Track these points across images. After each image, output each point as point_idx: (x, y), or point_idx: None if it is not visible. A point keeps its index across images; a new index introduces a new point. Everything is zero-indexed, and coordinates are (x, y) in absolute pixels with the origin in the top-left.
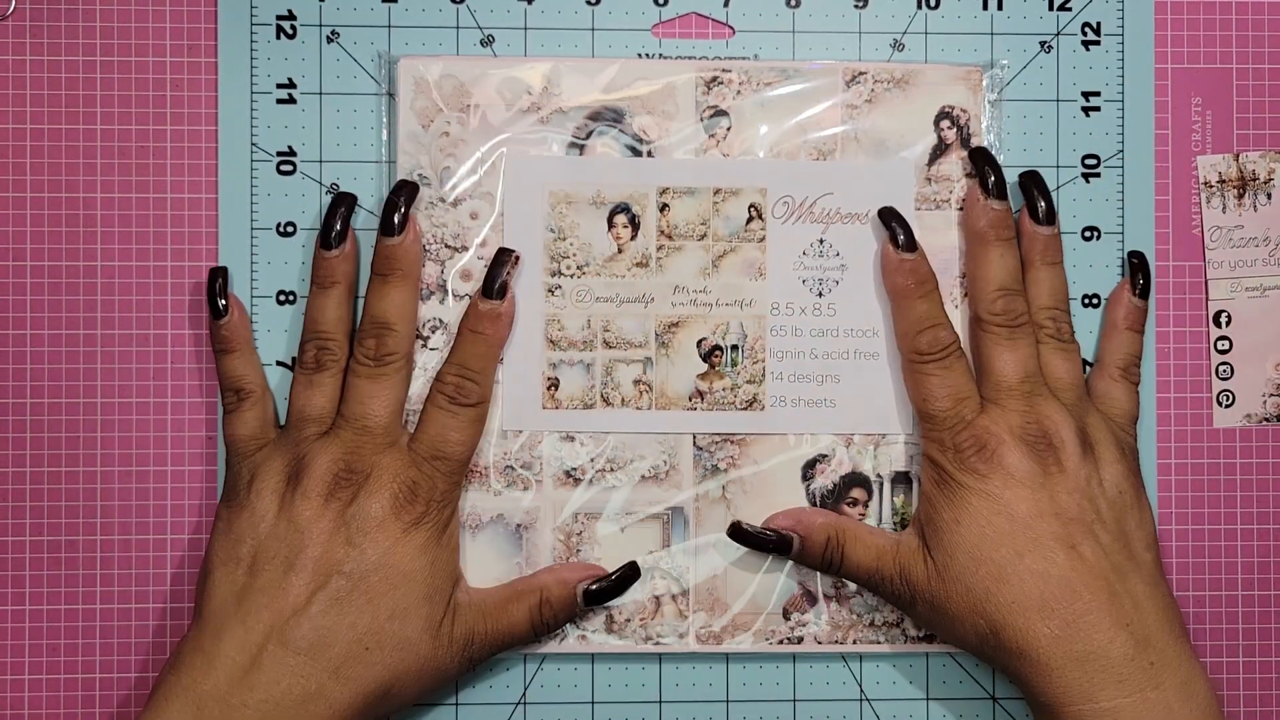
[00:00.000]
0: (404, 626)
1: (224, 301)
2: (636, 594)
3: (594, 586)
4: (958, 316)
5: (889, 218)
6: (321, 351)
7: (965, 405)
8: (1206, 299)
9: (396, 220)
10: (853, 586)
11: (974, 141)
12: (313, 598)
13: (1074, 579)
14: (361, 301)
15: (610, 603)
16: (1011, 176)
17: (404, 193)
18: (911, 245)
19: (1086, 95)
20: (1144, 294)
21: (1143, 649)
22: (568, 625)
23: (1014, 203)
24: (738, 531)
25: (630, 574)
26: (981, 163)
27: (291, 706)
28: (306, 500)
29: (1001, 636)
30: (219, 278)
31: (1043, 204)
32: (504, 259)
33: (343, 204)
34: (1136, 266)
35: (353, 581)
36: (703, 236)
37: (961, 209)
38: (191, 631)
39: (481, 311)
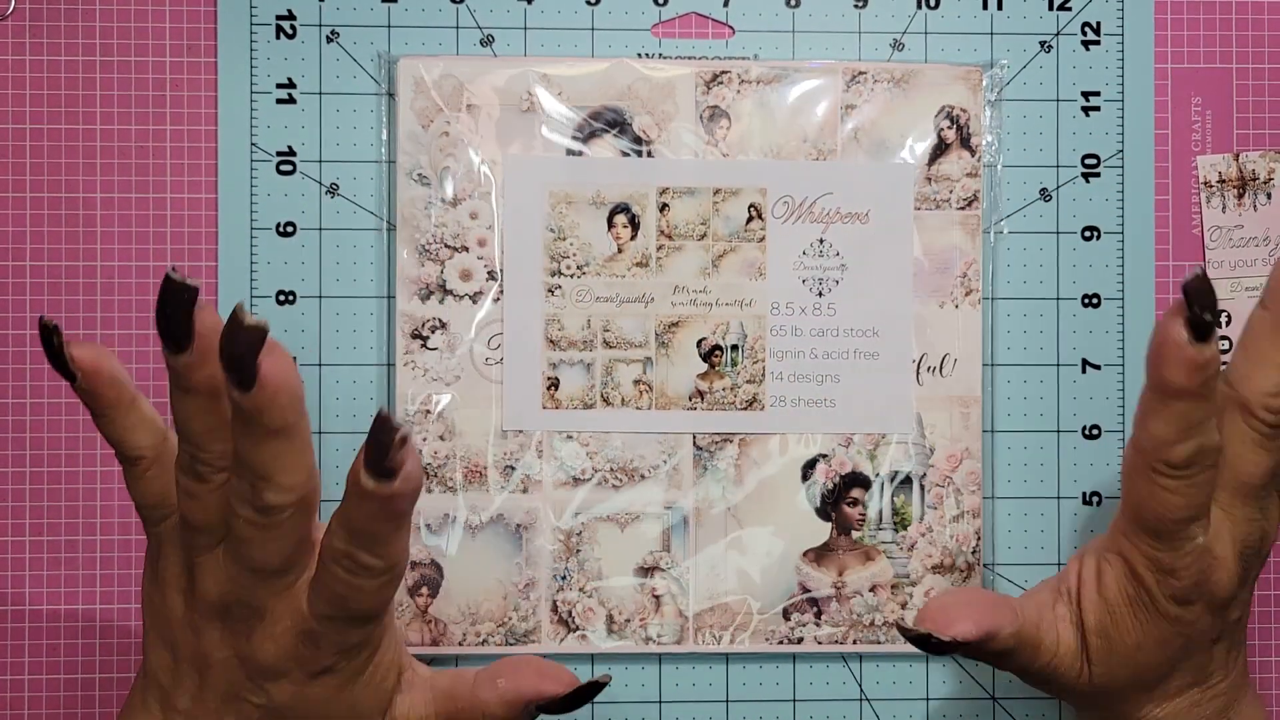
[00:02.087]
0: None
1: (70, 361)
2: (636, 595)
3: (547, 704)
4: (958, 316)
5: (1199, 289)
6: (194, 462)
7: (1199, 525)
8: None
9: (246, 369)
10: (853, 587)
11: (974, 141)
12: (225, 716)
13: (1200, 672)
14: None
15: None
16: (1020, 176)
17: (246, 338)
18: (1210, 334)
19: (1086, 95)
20: None
21: (1226, 711)
22: (568, 627)
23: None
24: (922, 642)
25: (591, 690)
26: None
27: None
28: (206, 621)
29: (1104, 712)
30: (52, 335)
31: None
32: (387, 432)
33: (182, 298)
34: None
35: (265, 711)
36: (702, 236)
37: (964, 207)
38: (138, 683)
39: (368, 491)
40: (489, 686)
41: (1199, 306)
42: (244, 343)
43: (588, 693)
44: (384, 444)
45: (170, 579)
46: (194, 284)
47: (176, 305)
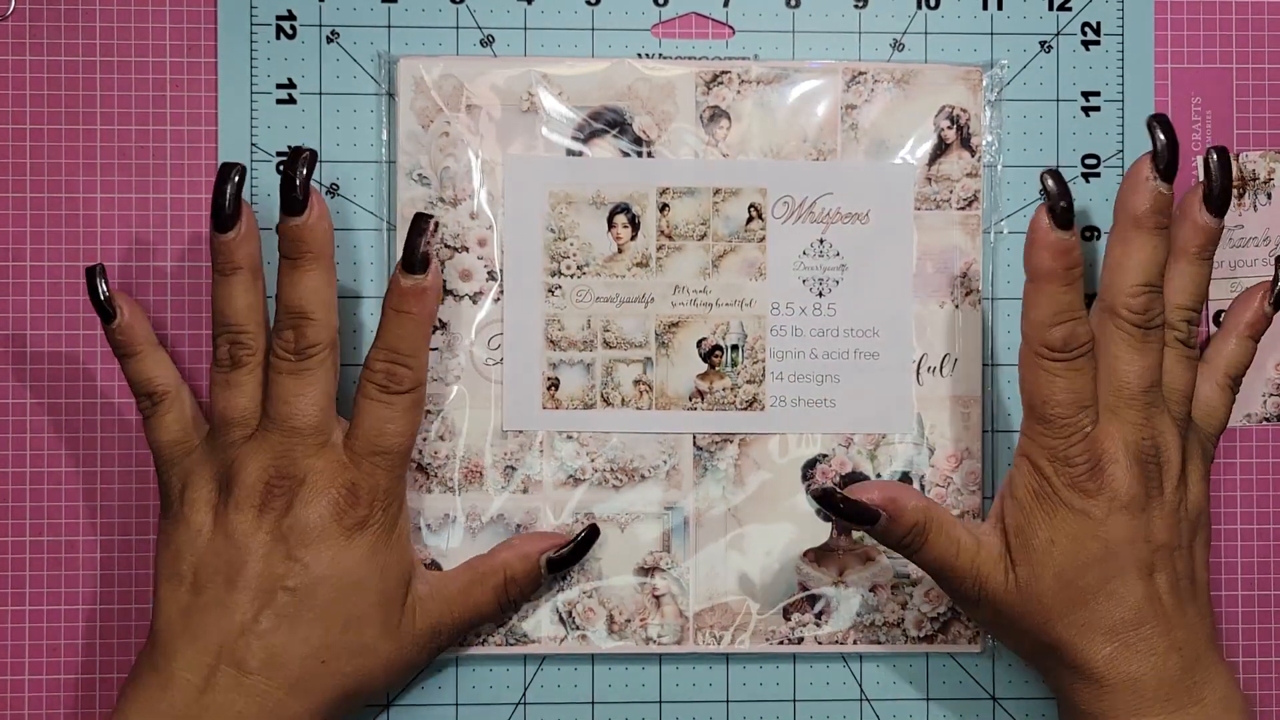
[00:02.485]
0: (360, 635)
1: (111, 302)
2: (636, 595)
3: (556, 555)
4: (958, 317)
5: (1054, 183)
6: (235, 346)
7: (1086, 415)
8: (1207, 299)
9: (298, 196)
10: (853, 588)
11: (974, 141)
12: (259, 616)
13: (1144, 606)
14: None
15: (572, 567)
16: (1020, 176)
17: (302, 163)
18: (1069, 221)
19: (1086, 95)
20: (1278, 304)
21: (1190, 670)
22: (568, 627)
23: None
24: (827, 497)
25: (590, 536)
26: (1160, 134)
27: None
28: (240, 512)
29: (1060, 652)
30: (97, 277)
31: (1222, 189)
32: (422, 226)
33: (231, 177)
34: None
35: (299, 597)
36: (703, 236)
37: (964, 207)
38: (146, 647)
39: (405, 288)
40: (505, 549)
41: (1056, 196)
42: (305, 166)
43: (586, 543)
44: (420, 229)
45: (199, 500)
46: (242, 165)
47: (226, 186)
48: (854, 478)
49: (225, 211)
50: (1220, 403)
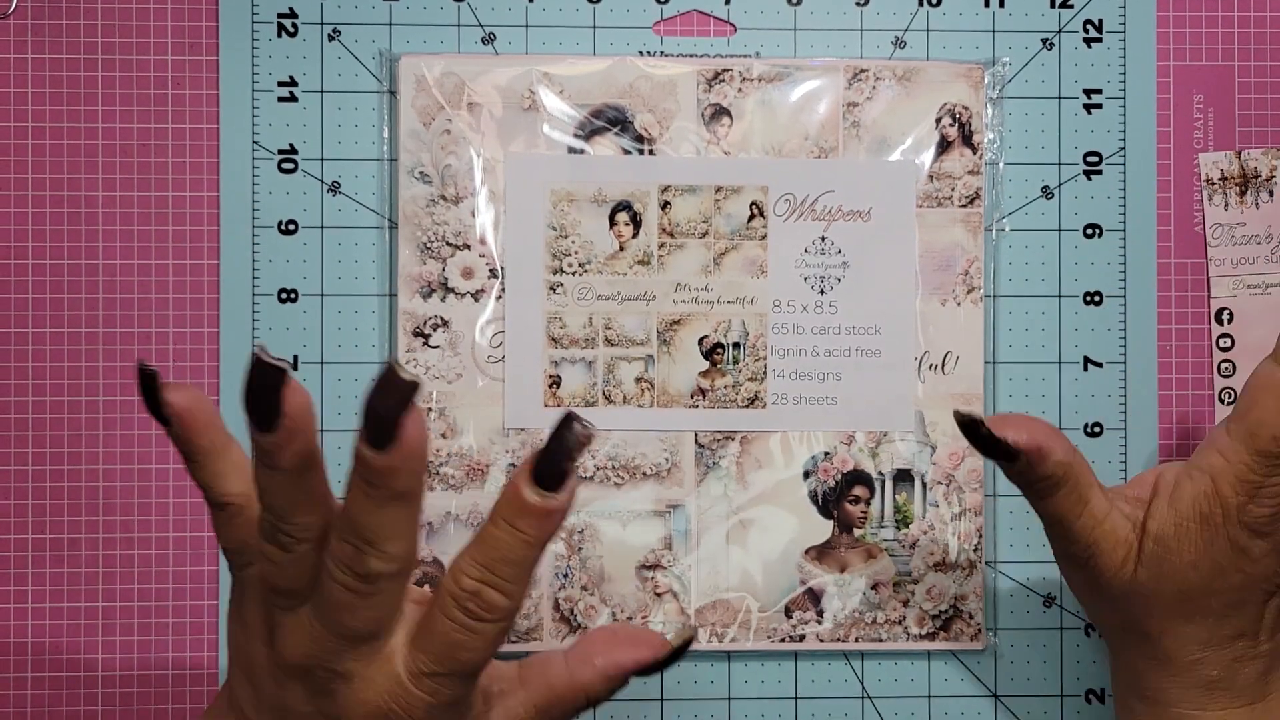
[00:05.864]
0: None
1: (164, 409)
2: (638, 593)
3: (649, 668)
4: (959, 313)
5: None
6: (276, 531)
7: None
8: (1208, 296)
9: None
10: (855, 586)
11: (976, 139)
12: None
13: (1250, 627)
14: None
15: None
16: (1022, 174)
17: (402, 389)
18: None
19: (1088, 92)
20: None
21: (1265, 674)
22: (570, 624)
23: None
24: (972, 426)
25: (683, 649)
26: None
27: None
28: (288, 677)
29: (1147, 645)
30: (155, 381)
31: None
32: (571, 438)
33: (265, 380)
34: None
35: None
36: (704, 234)
37: (966, 205)
38: (223, 697)
39: (531, 506)
40: (587, 668)
41: None
42: (395, 399)
43: (681, 651)
44: (570, 440)
45: (253, 627)
46: (283, 364)
47: (265, 386)
48: (856, 476)
49: (265, 412)
50: None
